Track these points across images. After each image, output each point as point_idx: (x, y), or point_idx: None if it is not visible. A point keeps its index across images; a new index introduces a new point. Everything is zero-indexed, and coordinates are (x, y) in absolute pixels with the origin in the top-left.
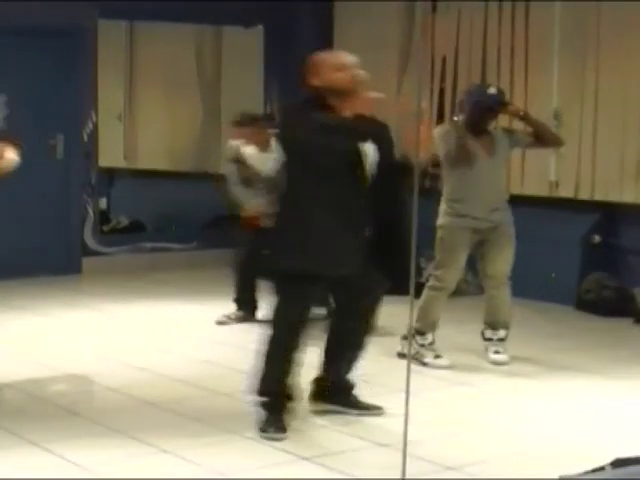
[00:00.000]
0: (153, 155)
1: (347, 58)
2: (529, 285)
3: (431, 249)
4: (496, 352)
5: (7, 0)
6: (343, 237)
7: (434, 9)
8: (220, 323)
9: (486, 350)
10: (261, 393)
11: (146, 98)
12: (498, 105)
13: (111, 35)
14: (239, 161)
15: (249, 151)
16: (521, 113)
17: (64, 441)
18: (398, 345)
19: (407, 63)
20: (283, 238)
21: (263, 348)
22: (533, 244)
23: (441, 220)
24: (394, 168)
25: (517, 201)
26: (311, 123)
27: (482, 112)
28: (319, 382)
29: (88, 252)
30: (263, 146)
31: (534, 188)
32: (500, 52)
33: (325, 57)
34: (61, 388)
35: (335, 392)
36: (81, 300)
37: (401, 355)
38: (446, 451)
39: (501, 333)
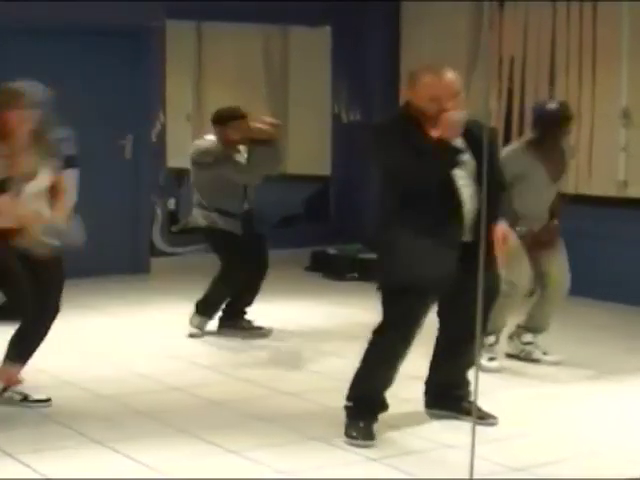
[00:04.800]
0: None
1: (445, 87)
2: (598, 285)
3: None
4: (545, 353)
5: (76, 0)
6: (442, 256)
7: (501, 8)
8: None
9: (528, 353)
10: (357, 399)
11: (214, 98)
12: (559, 120)
13: (179, 35)
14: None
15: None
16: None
17: (130, 441)
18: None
19: (475, 63)
20: (388, 254)
21: (366, 355)
22: (601, 244)
23: None
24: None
25: (584, 201)
26: (404, 147)
27: (544, 130)
28: (430, 388)
29: (156, 252)
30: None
31: (602, 188)
32: (568, 51)
33: (425, 78)
34: (127, 387)
35: (447, 398)
36: (149, 300)
37: (508, 355)
38: (514, 452)
39: (539, 338)
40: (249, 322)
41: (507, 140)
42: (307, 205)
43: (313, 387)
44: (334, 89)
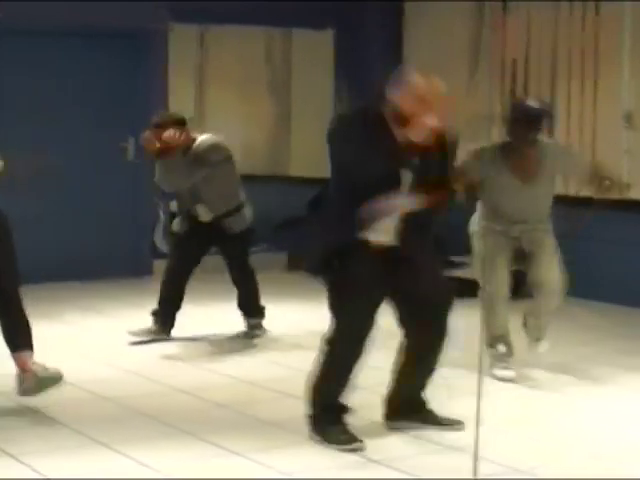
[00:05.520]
0: None
1: (434, 91)
2: (599, 287)
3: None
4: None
5: (79, 0)
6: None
7: (504, 9)
8: (134, 334)
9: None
10: (314, 405)
11: (217, 101)
12: (537, 118)
13: (182, 38)
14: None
15: None
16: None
17: (133, 442)
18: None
19: (477, 64)
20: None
21: (321, 360)
22: (603, 247)
23: (473, 227)
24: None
25: (587, 203)
26: (359, 142)
27: (520, 128)
28: (392, 400)
29: (159, 254)
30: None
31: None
32: (571, 52)
33: (414, 83)
34: (130, 389)
35: (410, 409)
36: (151, 302)
37: None
38: (516, 453)
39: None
40: (255, 325)
41: None
42: (309, 207)
43: None
44: (337, 91)
